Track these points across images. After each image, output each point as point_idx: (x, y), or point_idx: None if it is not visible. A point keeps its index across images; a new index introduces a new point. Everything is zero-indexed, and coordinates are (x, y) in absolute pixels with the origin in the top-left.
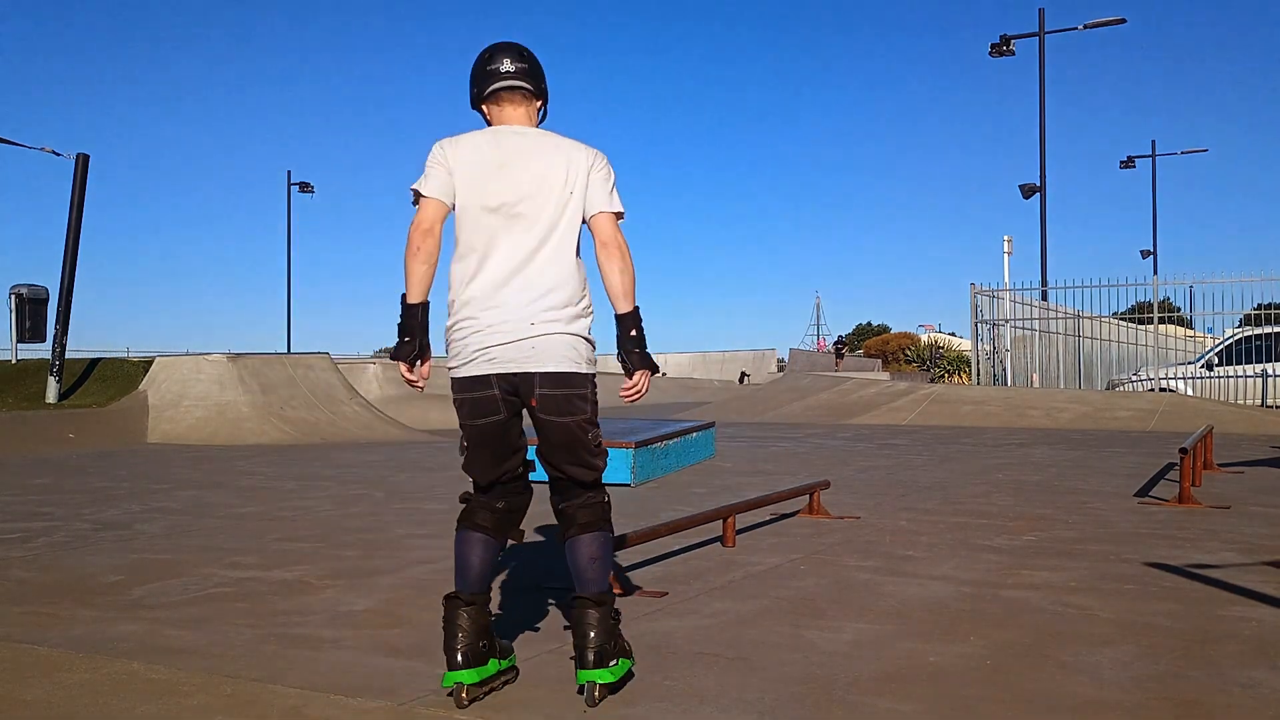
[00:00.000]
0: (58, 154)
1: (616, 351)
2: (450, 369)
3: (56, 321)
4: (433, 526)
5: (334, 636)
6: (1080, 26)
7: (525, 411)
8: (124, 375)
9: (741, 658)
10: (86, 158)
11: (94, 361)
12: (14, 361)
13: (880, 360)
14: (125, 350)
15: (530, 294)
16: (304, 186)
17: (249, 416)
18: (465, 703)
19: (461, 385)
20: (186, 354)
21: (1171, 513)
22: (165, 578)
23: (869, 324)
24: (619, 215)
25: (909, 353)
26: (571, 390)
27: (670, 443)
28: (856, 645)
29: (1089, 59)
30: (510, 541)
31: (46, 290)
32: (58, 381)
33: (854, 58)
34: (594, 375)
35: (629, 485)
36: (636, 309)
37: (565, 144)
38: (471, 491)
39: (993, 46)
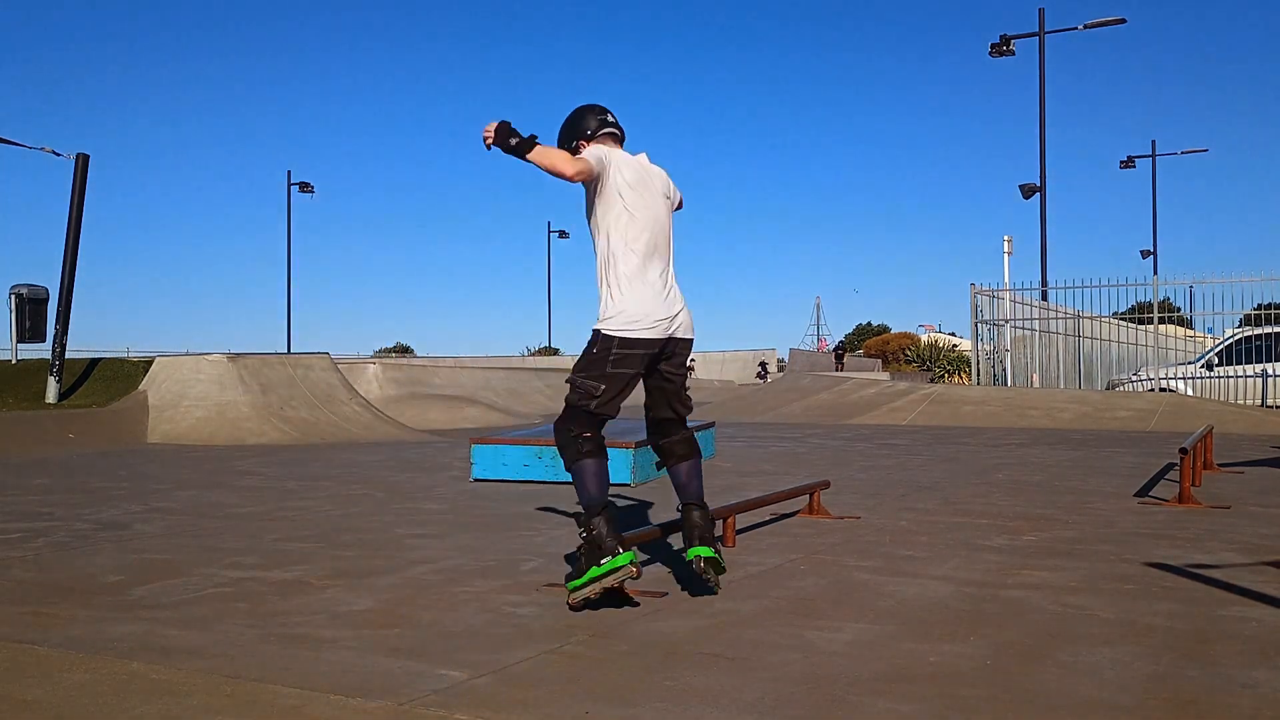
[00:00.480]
0: (58, 154)
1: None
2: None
3: (56, 321)
4: (433, 526)
5: (334, 636)
6: (1080, 26)
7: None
8: (124, 375)
9: (741, 658)
10: (86, 158)
11: (94, 361)
12: (14, 361)
13: (880, 360)
14: (125, 350)
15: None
16: (304, 186)
17: (249, 416)
18: (637, 575)
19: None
20: (186, 354)
21: (1171, 513)
22: (165, 578)
23: (869, 324)
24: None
25: (909, 353)
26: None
27: None
28: (856, 645)
29: (1089, 59)
30: None
31: (46, 290)
32: (58, 381)
33: (854, 57)
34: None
35: (629, 485)
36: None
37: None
38: (584, 433)
39: (993, 46)
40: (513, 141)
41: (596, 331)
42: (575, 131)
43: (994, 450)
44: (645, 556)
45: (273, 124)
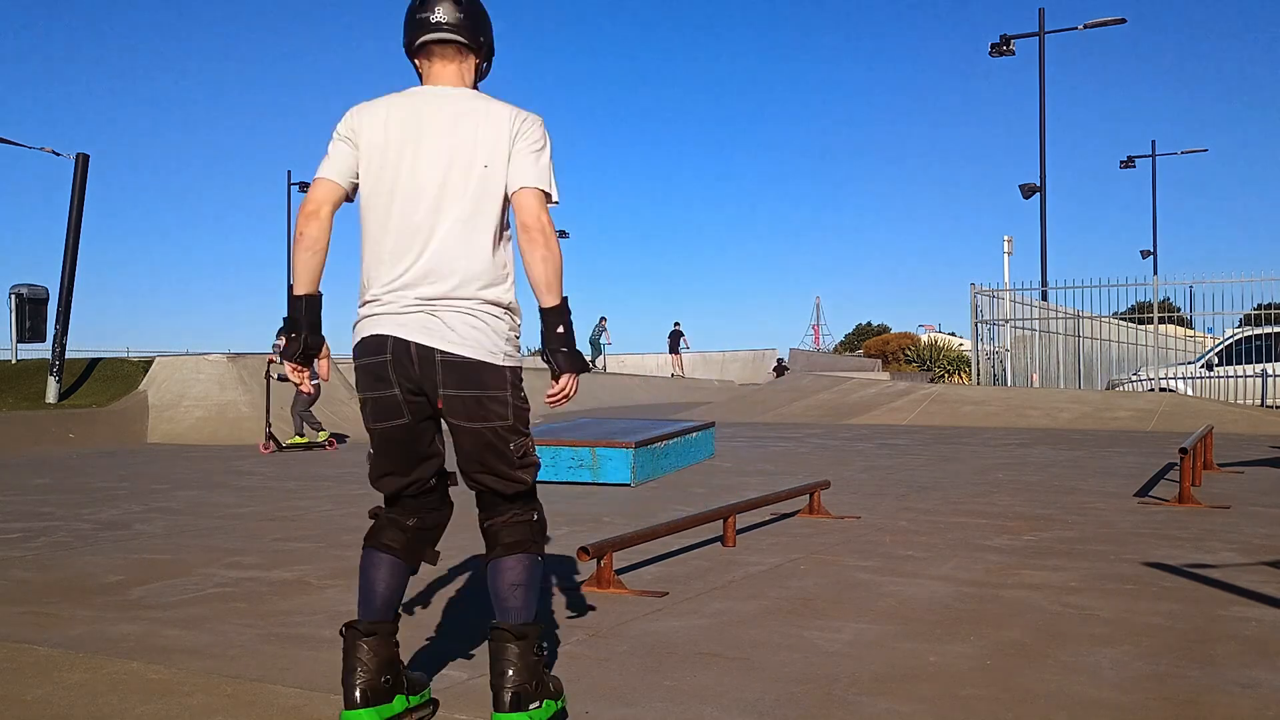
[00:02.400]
0: (58, 154)
1: (540, 350)
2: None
3: (56, 321)
4: None
5: (334, 636)
6: (1080, 26)
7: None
8: (124, 375)
9: (741, 658)
10: (86, 158)
11: (94, 361)
12: (14, 361)
13: (880, 360)
14: (125, 350)
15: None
16: (304, 187)
17: (249, 416)
18: None
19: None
20: (186, 354)
21: (1171, 513)
22: (165, 578)
23: (869, 324)
24: (548, 196)
25: (909, 353)
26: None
27: (670, 443)
28: (856, 645)
29: (1089, 59)
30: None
31: (46, 290)
32: (58, 381)
33: (854, 57)
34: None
35: (629, 485)
36: (565, 302)
37: (494, 107)
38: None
39: (993, 46)
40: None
41: None
42: (404, 33)
43: (994, 450)
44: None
45: (273, 124)
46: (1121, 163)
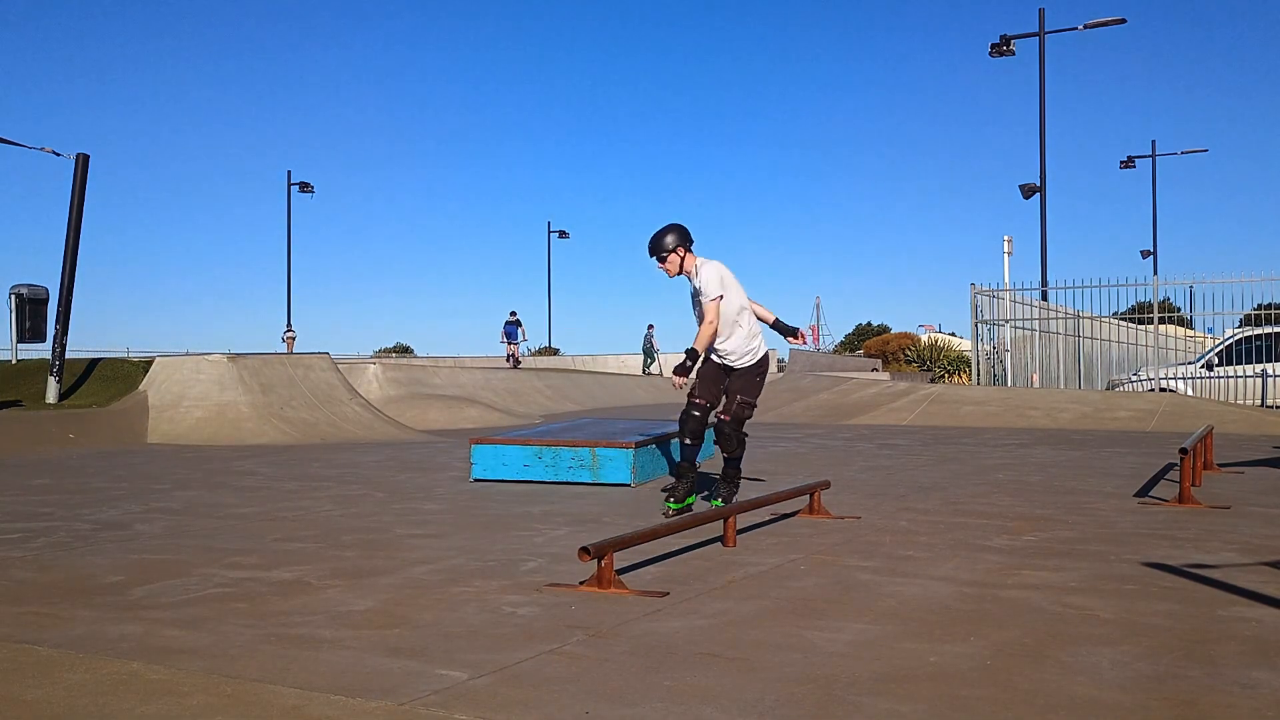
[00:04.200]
0: (58, 154)
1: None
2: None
3: (56, 321)
4: (433, 526)
5: (334, 636)
6: (1080, 26)
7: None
8: (124, 375)
9: (741, 658)
10: (86, 158)
11: (94, 361)
12: (14, 361)
13: (880, 360)
14: (125, 350)
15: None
16: (304, 186)
17: (249, 417)
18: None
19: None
20: (186, 354)
21: (1171, 513)
22: (165, 578)
23: (869, 324)
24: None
25: (909, 353)
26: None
27: (671, 443)
28: (856, 645)
29: (1089, 59)
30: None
31: (46, 290)
32: (58, 381)
33: (854, 57)
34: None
35: (629, 485)
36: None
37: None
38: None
39: (993, 46)
40: (689, 364)
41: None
42: (687, 239)
43: (994, 450)
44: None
45: (273, 124)
46: (1121, 163)
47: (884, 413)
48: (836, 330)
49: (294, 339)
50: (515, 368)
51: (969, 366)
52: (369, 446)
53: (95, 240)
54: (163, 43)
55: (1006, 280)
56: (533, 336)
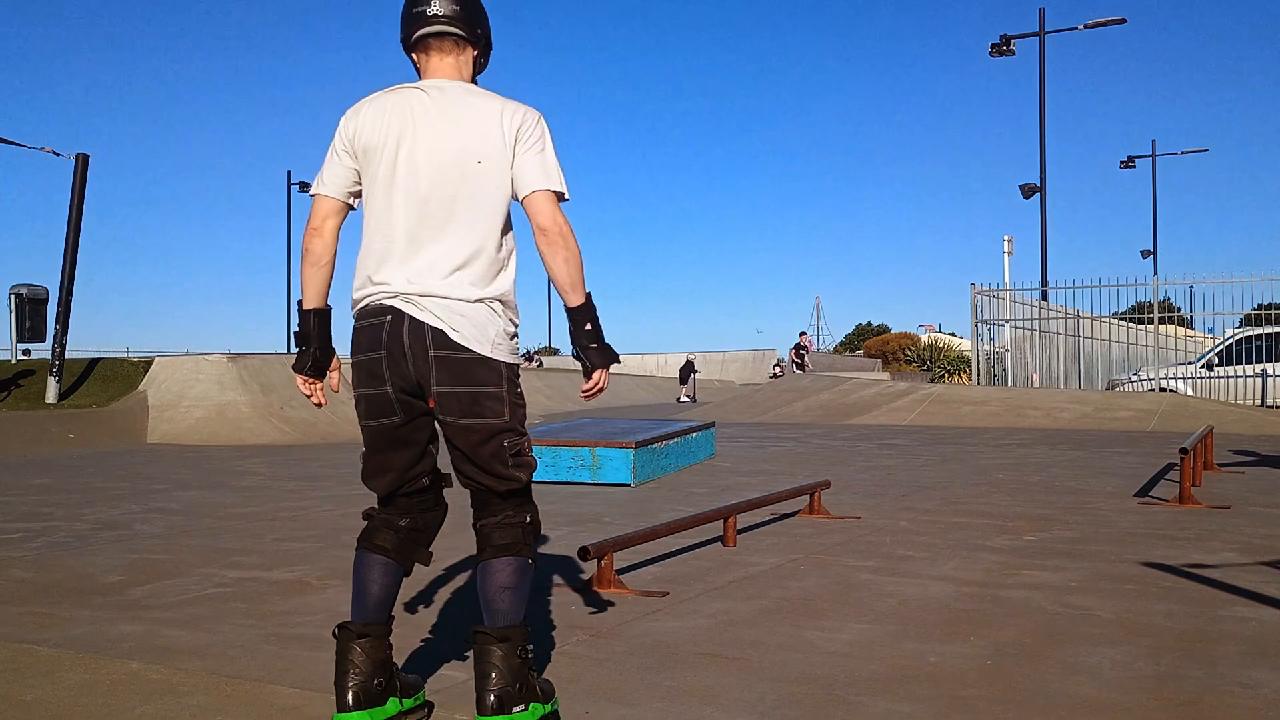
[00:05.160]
0: (58, 154)
1: (571, 349)
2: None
3: (56, 321)
4: None
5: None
6: (1080, 26)
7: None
8: (124, 375)
9: (741, 658)
10: (86, 158)
11: (94, 361)
12: (14, 361)
13: (880, 360)
14: (125, 350)
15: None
16: (304, 186)
17: (249, 416)
18: None
19: None
20: (186, 354)
21: (1171, 513)
22: (165, 578)
23: (869, 324)
24: (560, 195)
25: (909, 353)
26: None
27: (670, 443)
28: (856, 645)
29: (1089, 59)
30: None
31: (46, 290)
32: (58, 381)
33: (854, 57)
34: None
35: (629, 485)
36: (589, 299)
37: (488, 102)
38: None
39: (993, 46)
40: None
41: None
42: (401, 27)
43: (994, 450)
44: None
45: (273, 124)
46: (1121, 163)
47: (884, 413)
48: (836, 330)
49: None
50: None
51: (969, 366)
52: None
53: (95, 240)
54: (163, 43)
55: (1006, 280)
56: (533, 336)
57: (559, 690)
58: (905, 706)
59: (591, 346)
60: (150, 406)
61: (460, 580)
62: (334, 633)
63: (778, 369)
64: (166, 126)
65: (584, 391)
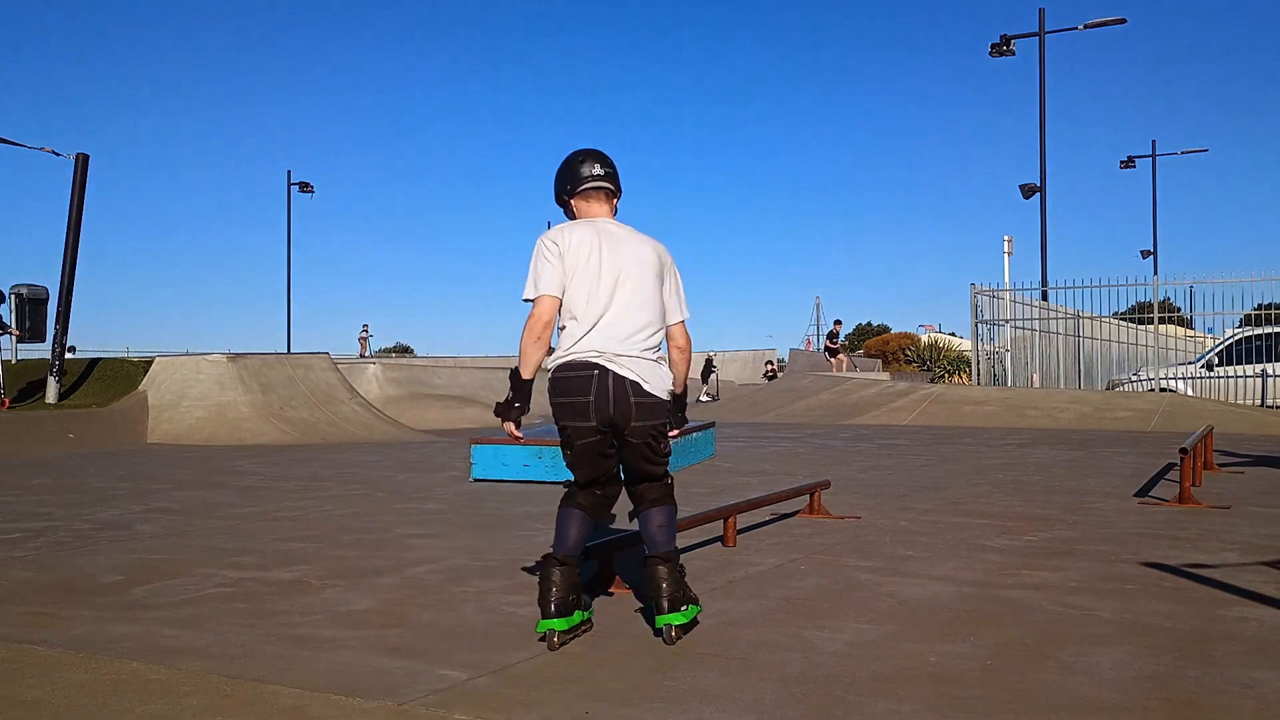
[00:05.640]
0: (58, 154)
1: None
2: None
3: (56, 321)
4: (433, 526)
5: (334, 636)
6: (1080, 26)
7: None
8: (124, 375)
9: (741, 658)
10: (86, 158)
11: (94, 361)
12: (14, 361)
13: (880, 360)
14: (125, 350)
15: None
16: (304, 186)
17: (249, 417)
18: (556, 646)
19: None
20: (186, 354)
21: (1172, 513)
22: (165, 578)
23: (869, 324)
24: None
25: (909, 353)
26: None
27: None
28: (856, 645)
29: (1089, 59)
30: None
31: (46, 290)
32: (58, 381)
33: (854, 57)
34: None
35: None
36: (686, 390)
37: (646, 239)
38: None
39: (993, 46)
40: (516, 404)
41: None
42: (563, 181)
43: (994, 450)
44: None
45: (273, 124)
46: (1121, 163)
47: (884, 413)
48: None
49: (368, 339)
50: None
51: (969, 366)
52: (369, 446)
53: (95, 240)
54: (163, 42)
55: (1007, 280)
56: None
57: (559, 690)
58: (905, 706)
59: (678, 415)
60: (150, 406)
61: (457, 582)
62: (537, 563)
63: (770, 369)
64: (166, 126)
65: (672, 435)
